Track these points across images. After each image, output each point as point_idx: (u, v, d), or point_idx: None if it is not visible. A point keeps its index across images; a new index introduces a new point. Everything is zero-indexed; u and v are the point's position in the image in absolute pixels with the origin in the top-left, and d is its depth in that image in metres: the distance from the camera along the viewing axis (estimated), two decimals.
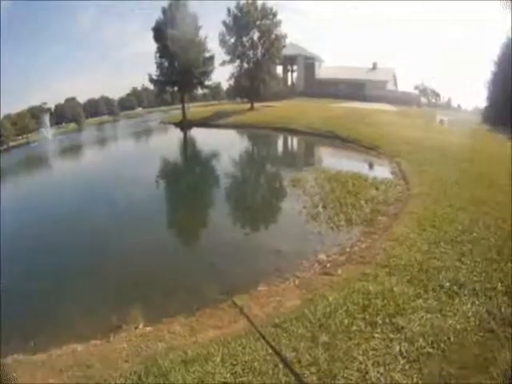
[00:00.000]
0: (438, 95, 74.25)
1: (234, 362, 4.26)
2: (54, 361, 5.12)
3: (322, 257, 7.42)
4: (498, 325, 4.53)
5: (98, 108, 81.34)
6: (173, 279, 7.52)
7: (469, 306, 4.90)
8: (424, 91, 69.77)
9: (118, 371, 4.50)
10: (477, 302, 4.98)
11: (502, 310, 4.82)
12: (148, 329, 5.66)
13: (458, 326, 4.50)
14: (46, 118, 60.85)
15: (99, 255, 9.11)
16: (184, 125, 40.45)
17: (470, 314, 4.74)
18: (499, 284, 5.41)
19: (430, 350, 4.13)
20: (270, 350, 4.36)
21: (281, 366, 4.08)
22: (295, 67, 58.00)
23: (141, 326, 5.84)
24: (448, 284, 5.44)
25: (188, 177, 18.19)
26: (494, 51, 34.20)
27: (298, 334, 4.59)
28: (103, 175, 21.14)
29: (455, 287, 5.36)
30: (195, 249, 9.75)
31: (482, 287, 5.36)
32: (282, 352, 4.30)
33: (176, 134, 39.07)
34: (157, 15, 41.60)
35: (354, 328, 4.59)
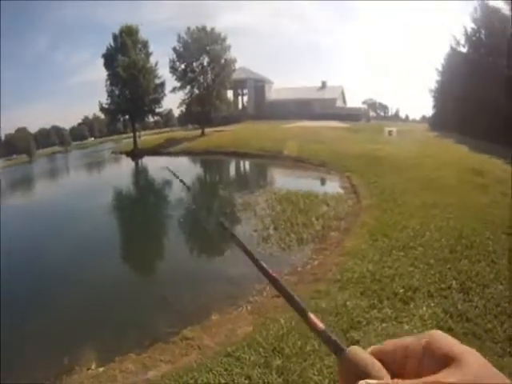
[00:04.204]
0: (385, 108, 77.78)
1: None
2: None
3: None
4: (456, 322, 4.63)
5: (49, 138, 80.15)
6: (124, 315, 7.27)
7: (424, 308, 4.95)
8: (372, 105, 72.85)
9: None
10: (432, 304, 5.06)
11: (459, 306, 4.93)
12: (101, 369, 5.46)
13: (415, 331, 4.49)
14: None
15: (48, 293, 8.72)
16: (135, 154, 40.38)
17: (426, 316, 4.79)
18: (454, 282, 5.57)
19: None
20: (223, 381, 4.26)
21: None
22: (245, 90, 59.11)
23: (93, 366, 5.64)
24: (402, 290, 5.47)
25: (139, 207, 17.87)
26: (437, 61, 36.39)
27: (250, 362, 4.47)
28: (54, 208, 20.53)
29: (409, 292, 5.40)
30: (147, 281, 9.54)
31: (437, 288, 5.48)
32: (235, 381, 4.21)
33: (127, 164, 38.96)
34: (107, 41, 41.95)
35: (308, 348, 4.49)
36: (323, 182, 16.83)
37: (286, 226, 10.45)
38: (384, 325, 4.70)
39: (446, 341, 0.44)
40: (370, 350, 0.50)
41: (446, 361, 0.42)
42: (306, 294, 6.05)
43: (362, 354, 0.49)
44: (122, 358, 5.57)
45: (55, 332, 6.84)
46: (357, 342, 4.41)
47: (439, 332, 0.46)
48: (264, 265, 0.68)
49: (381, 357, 0.48)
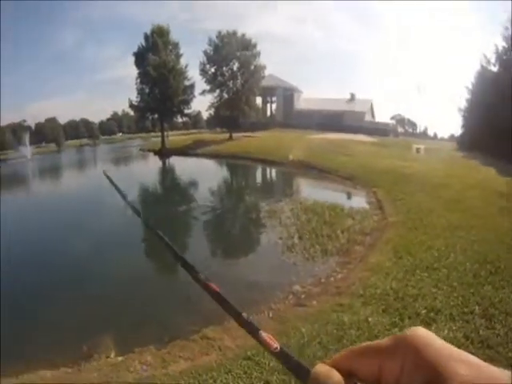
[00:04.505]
0: (414, 125, 76.61)
1: None
2: None
3: (297, 288, 7.34)
4: (476, 348, 4.53)
5: (78, 130, 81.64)
6: (147, 310, 7.39)
7: (446, 331, 4.88)
8: (400, 121, 71.87)
9: None
10: (454, 328, 4.98)
11: (480, 332, 4.83)
12: (119, 358, 5.57)
13: None
14: (26, 136, 60.50)
15: (73, 282, 8.85)
16: (163, 153, 40.98)
17: (447, 339, 4.62)
18: (476, 307, 5.44)
19: None
20: (241, 383, 4.31)
21: None
22: (274, 98, 59.07)
23: (112, 355, 5.76)
24: (424, 311, 5.41)
25: (165, 206, 17.82)
26: (468, 79, 35.76)
27: (270, 367, 4.48)
28: (80, 200, 20.97)
29: (432, 314, 5.34)
30: (170, 280, 9.57)
31: (459, 312, 5.37)
32: None
33: (155, 162, 39.45)
34: (139, 40, 42.81)
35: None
36: (349, 195, 16.71)
37: (310, 237, 10.43)
38: None
39: (430, 342, 0.38)
40: (336, 357, 0.45)
41: (430, 368, 0.35)
42: (328, 306, 6.08)
43: (329, 376, 0.42)
44: (141, 349, 5.66)
45: (77, 319, 6.99)
46: None
47: (421, 330, 0.40)
48: (201, 276, 0.65)
49: (349, 364, 0.43)
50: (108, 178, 1.54)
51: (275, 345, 0.49)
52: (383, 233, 9.97)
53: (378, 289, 6.31)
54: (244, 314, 0.57)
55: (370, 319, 5.29)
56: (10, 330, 6.67)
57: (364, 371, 0.41)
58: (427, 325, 5.05)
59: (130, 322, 6.85)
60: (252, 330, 0.54)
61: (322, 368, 0.43)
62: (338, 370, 0.42)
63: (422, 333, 0.39)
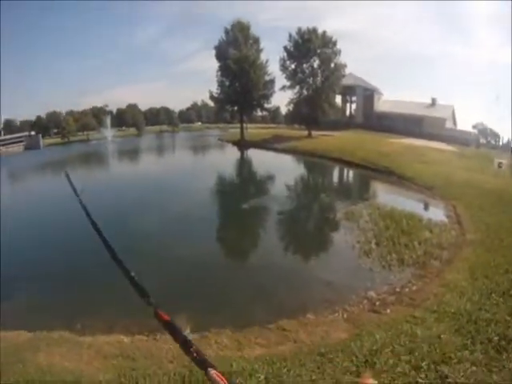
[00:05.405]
0: (497, 136, 70.80)
1: (277, 383, 4.35)
2: (100, 346, 5.46)
3: (372, 294, 7.44)
4: None
5: (158, 117, 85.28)
6: (222, 294, 7.76)
7: None
8: (483, 131, 66.73)
9: (163, 369, 4.71)
10: None
11: None
12: (195, 335, 5.80)
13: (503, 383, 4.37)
14: (108, 120, 64.16)
15: (151, 259, 9.40)
16: (241, 144, 41.77)
17: None
18: None
19: None
20: (314, 377, 4.41)
21: None
22: (354, 98, 57.30)
23: (188, 331, 5.91)
24: (496, 338, 5.23)
25: (243, 197, 18.06)
26: None
27: (342, 367, 4.61)
28: (158, 183, 22.33)
29: (504, 342, 5.14)
30: (245, 268, 9.99)
31: None
32: (326, 381, 4.35)
33: (233, 153, 40.23)
34: (219, 35, 43.58)
35: (399, 369, 4.53)
36: (427, 205, 16.13)
37: (388, 244, 10.34)
38: (474, 368, 4.57)
39: None
40: None
41: None
42: (401, 317, 6.12)
43: None
44: (217, 331, 5.97)
45: (155, 291, 7.54)
46: (446, 378, 4.40)
47: None
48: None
49: None
50: (67, 176, 1.82)
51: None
52: (461, 250, 9.61)
53: (451, 307, 6.22)
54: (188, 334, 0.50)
55: (442, 336, 5.26)
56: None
57: None
58: (498, 353, 4.93)
59: (207, 303, 7.25)
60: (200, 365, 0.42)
61: None
62: None
63: None
